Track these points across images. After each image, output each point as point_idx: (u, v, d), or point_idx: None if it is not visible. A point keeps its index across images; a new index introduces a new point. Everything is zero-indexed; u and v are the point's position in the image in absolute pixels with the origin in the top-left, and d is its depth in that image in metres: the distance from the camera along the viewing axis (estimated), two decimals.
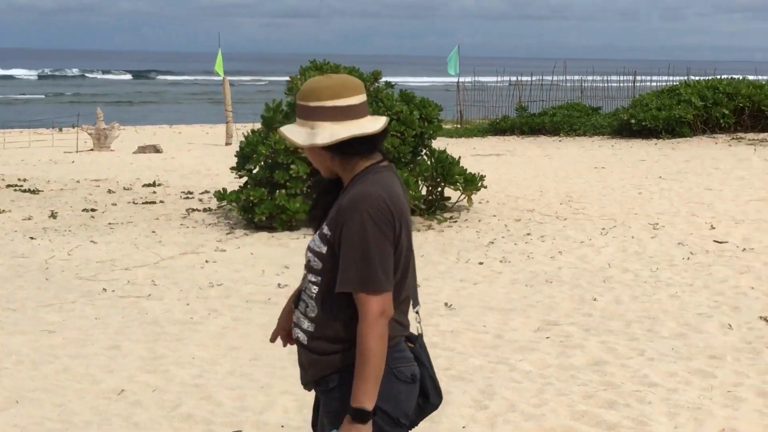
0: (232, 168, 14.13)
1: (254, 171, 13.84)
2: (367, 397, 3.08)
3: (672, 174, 18.05)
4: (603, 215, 13.54)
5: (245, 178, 14.03)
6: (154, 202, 15.40)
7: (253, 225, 12.92)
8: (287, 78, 14.43)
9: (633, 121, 27.28)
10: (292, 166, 12.52)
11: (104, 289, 9.58)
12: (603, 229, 12.44)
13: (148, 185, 17.36)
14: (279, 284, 9.71)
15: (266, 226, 12.84)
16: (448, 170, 13.38)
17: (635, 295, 8.93)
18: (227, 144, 27.70)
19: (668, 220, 12.94)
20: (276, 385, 6.58)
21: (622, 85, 36.26)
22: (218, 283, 9.81)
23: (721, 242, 11.29)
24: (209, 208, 14.70)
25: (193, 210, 14.56)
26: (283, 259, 10.99)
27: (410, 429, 3.37)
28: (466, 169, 13.65)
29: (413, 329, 3.44)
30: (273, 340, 3.73)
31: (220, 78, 30.13)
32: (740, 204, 14.09)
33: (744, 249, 10.86)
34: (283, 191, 12.60)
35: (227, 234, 12.69)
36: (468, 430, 5.60)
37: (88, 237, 12.52)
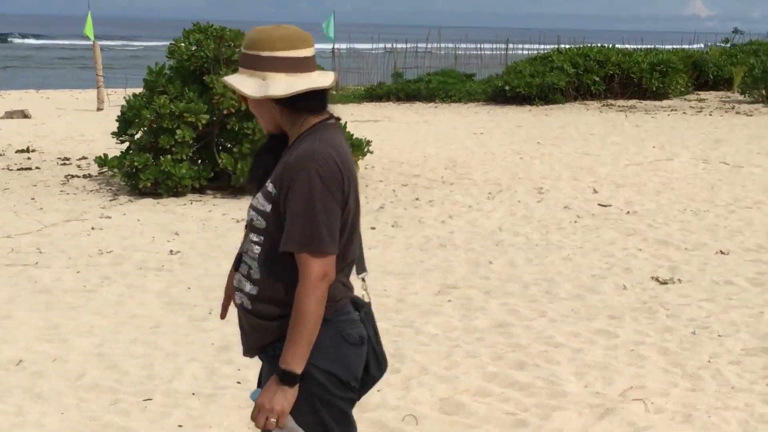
0: (113, 133, 13.75)
1: (136, 136, 13.50)
2: (296, 360, 2.96)
3: (550, 139, 18.38)
4: (488, 180, 13.69)
5: (126, 144, 13.68)
6: (29, 168, 14.91)
7: (137, 191, 12.64)
8: (162, 43, 14.08)
9: (507, 87, 27.65)
10: (178, 131, 12.27)
11: None
12: (489, 193, 12.59)
13: (22, 151, 16.78)
14: (171, 251, 9.52)
15: (151, 192, 12.57)
16: None
17: (529, 258, 9.06)
18: (99, 109, 26.93)
19: (552, 184, 13.17)
20: (182, 353, 6.45)
21: (494, 53, 36.70)
22: (107, 250, 9.56)
23: (605, 205, 11.55)
24: (89, 174, 14.30)
25: (72, 176, 14.15)
26: (172, 226, 10.78)
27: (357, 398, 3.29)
28: (353, 135, 13.59)
29: (360, 297, 3.35)
30: (224, 315, 3.61)
31: (90, 42, 29.23)
32: (619, 168, 14.45)
33: (627, 212, 11.14)
34: (169, 156, 12.34)
35: (110, 201, 12.37)
36: (383, 394, 5.60)
37: None
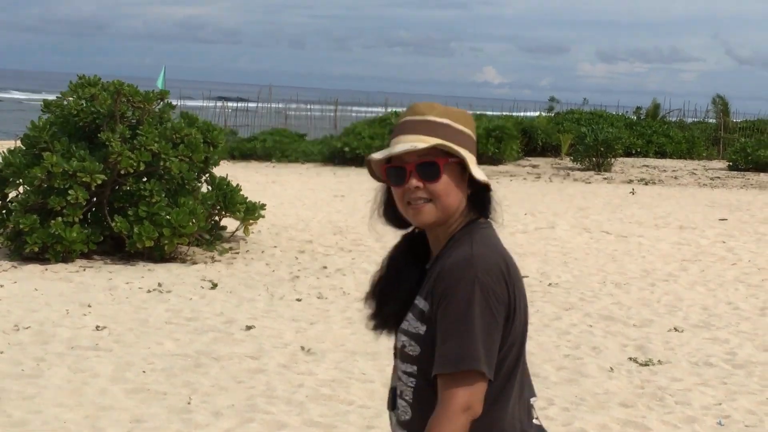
0: None
1: (10, 195, 12.48)
2: None
3: None
4: (384, 247, 13.31)
5: None
6: None
7: (19, 256, 11.59)
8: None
9: (347, 149, 27.57)
10: (70, 192, 11.35)
11: None
12: None
13: None
14: (97, 326, 8.68)
15: (35, 257, 11.55)
16: (230, 198, 12.69)
17: None
18: None
19: None
20: None
21: (324, 113, 36.64)
22: (24, 326, 8.63)
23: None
24: None
25: None
26: (77, 296, 9.91)
27: None
28: (247, 198, 13.02)
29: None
30: None
31: None
32: (506, 236, 14.38)
33: (549, 284, 11.02)
34: (59, 219, 11.39)
35: None
36: None
37: None
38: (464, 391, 2.37)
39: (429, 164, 2.51)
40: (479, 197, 2.61)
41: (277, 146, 28.98)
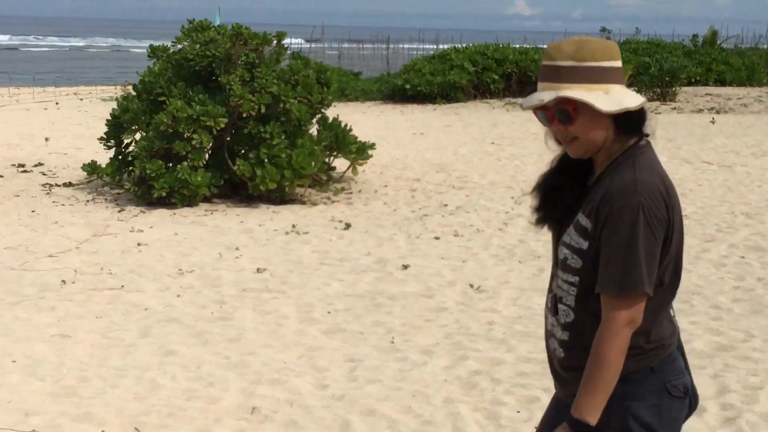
0: (101, 138, 12.74)
1: (127, 141, 12.58)
2: (591, 411, 2.67)
3: (500, 139, 18.20)
4: (493, 183, 13.40)
5: (113, 150, 12.72)
6: None
7: (145, 202, 11.69)
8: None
9: (408, 86, 27.44)
10: (194, 136, 11.41)
11: (63, 281, 8.28)
12: (513, 198, 12.28)
13: None
14: (258, 269, 8.78)
15: (159, 202, 11.65)
16: (342, 139, 12.71)
17: None
18: None
19: None
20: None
21: (376, 52, 36.43)
22: (187, 270, 8.74)
23: None
24: (70, 183, 13.16)
25: (51, 185, 12.99)
26: (218, 239, 10.02)
27: None
28: (357, 138, 13.03)
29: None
30: None
31: None
32: None
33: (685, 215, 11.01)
34: (185, 163, 11.46)
35: (120, 212, 11.40)
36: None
37: None
38: (627, 309, 2.65)
39: (561, 111, 2.72)
40: (630, 121, 2.76)
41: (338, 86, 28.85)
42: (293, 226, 10.60)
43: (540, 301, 7.70)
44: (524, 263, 8.98)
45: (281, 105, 11.70)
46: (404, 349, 6.55)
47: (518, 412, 5.44)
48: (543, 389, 5.74)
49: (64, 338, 6.78)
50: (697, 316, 7.24)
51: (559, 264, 2.86)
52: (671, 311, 2.90)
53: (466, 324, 7.11)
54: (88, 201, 11.99)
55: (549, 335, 2.94)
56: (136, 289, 8.10)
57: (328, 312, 7.45)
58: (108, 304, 7.69)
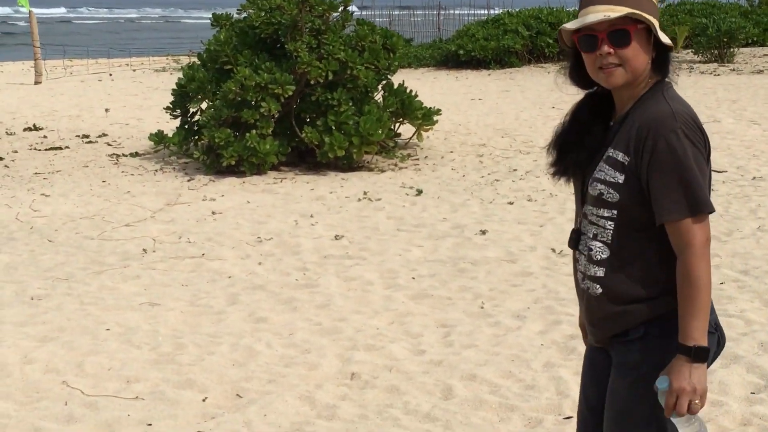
0: (167, 108, 12.78)
1: (193, 111, 12.59)
2: (702, 334, 2.68)
3: (560, 103, 18.00)
4: None
5: (179, 119, 12.75)
6: (60, 148, 13.72)
7: (213, 170, 11.71)
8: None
9: (462, 51, 27.24)
10: (263, 104, 11.38)
11: (144, 250, 8.32)
12: None
13: (29, 129, 15.44)
14: (336, 236, 8.76)
15: (227, 170, 11.66)
16: (408, 105, 12.62)
17: (728, 231, 8.64)
18: (37, 83, 25.26)
19: None
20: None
21: (426, 18, 36.19)
22: (265, 237, 8.74)
23: (720, 171, 11.23)
24: (136, 153, 13.22)
25: (118, 156, 13.05)
26: (291, 206, 10.02)
27: None
28: (422, 103, 12.94)
29: None
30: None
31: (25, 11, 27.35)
32: None
33: (753, 177, 10.85)
34: (254, 131, 11.45)
35: (189, 181, 11.43)
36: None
37: (27, 189, 10.95)
38: (701, 229, 2.71)
39: (620, 32, 2.75)
40: (662, 59, 2.85)
41: None
42: (365, 193, 10.57)
43: None
44: None
45: (348, 71, 11.64)
46: (495, 314, 6.50)
47: None
48: None
49: (153, 306, 6.81)
50: None
51: (590, 201, 2.87)
52: None
53: (554, 288, 7.04)
54: (156, 171, 12.04)
55: (583, 274, 2.94)
56: (217, 257, 8.11)
57: (413, 278, 7.42)
58: (191, 272, 7.71)
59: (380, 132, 11.73)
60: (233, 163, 11.40)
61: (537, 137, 14.02)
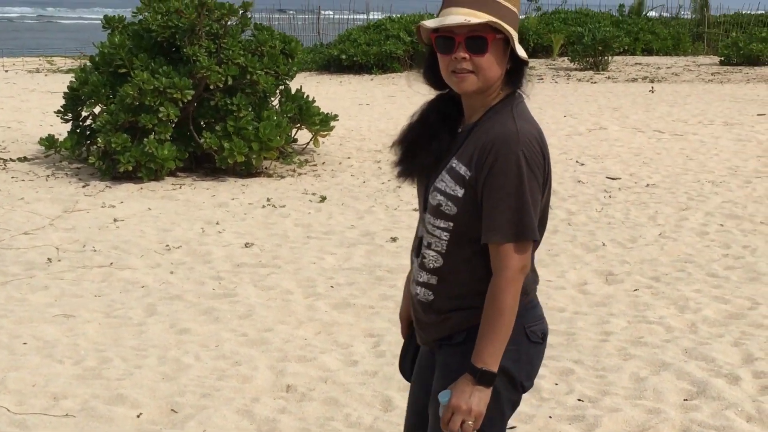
0: (58, 111, 12.42)
1: (84, 114, 12.28)
2: (493, 359, 2.74)
3: None
4: None
5: (70, 123, 12.42)
6: None
7: (110, 176, 11.43)
8: None
9: (344, 56, 27.29)
10: (161, 109, 11.17)
11: (49, 260, 8.07)
12: None
13: None
14: (246, 244, 8.66)
15: (123, 176, 11.40)
16: (306, 110, 12.58)
17: (631, 238, 8.85)
18: None
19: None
20: None
21: (306, 23, 36.13)
22: (174, 245, 8.58)
23: (614, 178, 11.52)
24: (25, 157, 12.80)
25: (5, 160, 12.61)
26: (194, 213, 9.86)
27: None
28: (320, 109, 12.91)
29: None
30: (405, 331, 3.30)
31: None
32: (562, 138, 14.47)
33: (647, 185, 11.15)
34: (152, 137, 11.22)
35: (84, 187, 11.15)
36: None
37: None
38: (521, 256, 2.72)
39: (478, 39, 2.72)
40: (517, 72, 2.83)
41: None
42: (268, 200, 10.48)
43: (547, 275, 7.71)
44: None
45: (248, 77, 11.52)
46: None
47: (556, 384, 5.45)
48: (573, 361, 5.76)
49: (68, 318, 6.61)
50: (697, 284, 7.34)
51: (430, 210, 2.86)
52: (533, 260, 2.95)
53: None
54: (48, 176, 11.70)
55: (415, 280, 2.95)
56: (126, 266, 7.92)
57: (331, 287, 7.38)
58: (102, 282, 7.52)
59: (279, 138, 11.65)
60: (130, 168, 11.15)
61: None
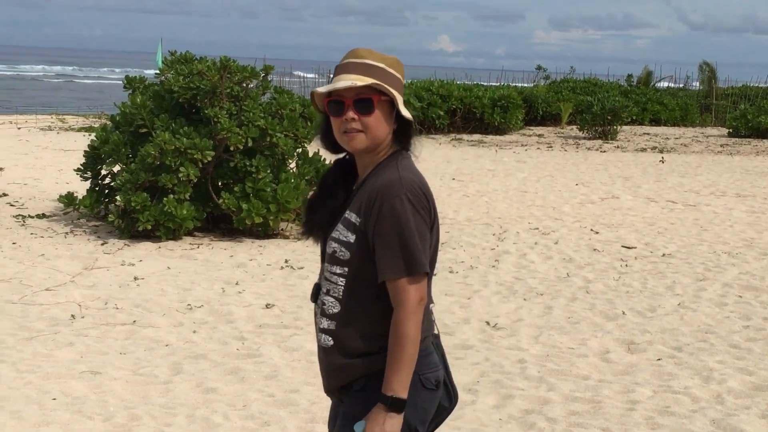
0: (78, 169, 12.53)
1: (104, 173, 12.39)
2: (402, 387, 2.92)
3: (460, 175, 18.34)
4: (468, 219, 13.47)
5: (89, 181, 12.53)
6: None
7: (127, 234, 11.50)
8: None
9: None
10: (182, 169, 11.27)
11: (72, 316, 8.11)
12: (493, 234, 12.37)
13: None
14: (267, 305, 8.69)
15: (142, 235, 11.47)
16: (323, 173, 12.63)
17: (653, 306, 8.89)
18: None
19: (543, 225, 13.11)
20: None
21: (317, 84, 36.47)
22: (196, 305, 8.62)
23: (629, 247, 11.58)
24: (43, 214, 12.89)
25: (24, 217, 12.70)
26: (213, 273, 9.90)
27: None
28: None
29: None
30: None
31: None
32: (576, 206, 14.57)
33: (663, 254, 11.21)
34: (171, 196, 11.31)
35: (102, 245, 11.20)
36: None
37: None
38: (416, 288, 2.94)
39: (365, 100, 2.99)
40: (403, 132, 3.11)
41: None
42: (286, 261, 10.54)
43: (561, 340, 7.75)
44: (529, 300, 9.04)
45: (268, 138, 11.64)
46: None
47: None
48: (602, 429, 5.77)
49: (95, 375, 6.63)
50: (720, 355, 7.35)
51: (327, 258, 3.09)
52: (430, 306, 3.13)
53: (497, 362, 7.12)
54: (66, 233, 11.76)
55: (317, 327, 3.14)
56: (149, 324, 7.95)
57: None
58: (126, 340, 7.54)
59: (297, 200, 11.73)
60: (149, 227, 11.21)
61: (446, 208, 14.21)
